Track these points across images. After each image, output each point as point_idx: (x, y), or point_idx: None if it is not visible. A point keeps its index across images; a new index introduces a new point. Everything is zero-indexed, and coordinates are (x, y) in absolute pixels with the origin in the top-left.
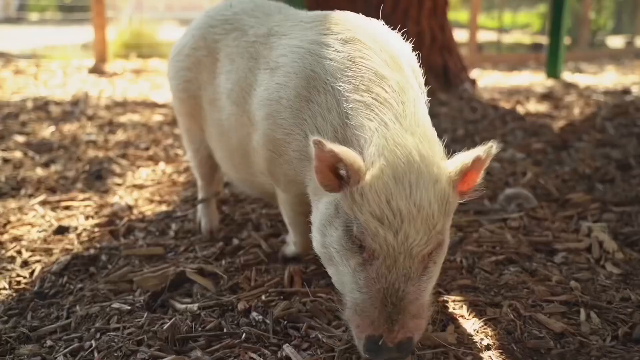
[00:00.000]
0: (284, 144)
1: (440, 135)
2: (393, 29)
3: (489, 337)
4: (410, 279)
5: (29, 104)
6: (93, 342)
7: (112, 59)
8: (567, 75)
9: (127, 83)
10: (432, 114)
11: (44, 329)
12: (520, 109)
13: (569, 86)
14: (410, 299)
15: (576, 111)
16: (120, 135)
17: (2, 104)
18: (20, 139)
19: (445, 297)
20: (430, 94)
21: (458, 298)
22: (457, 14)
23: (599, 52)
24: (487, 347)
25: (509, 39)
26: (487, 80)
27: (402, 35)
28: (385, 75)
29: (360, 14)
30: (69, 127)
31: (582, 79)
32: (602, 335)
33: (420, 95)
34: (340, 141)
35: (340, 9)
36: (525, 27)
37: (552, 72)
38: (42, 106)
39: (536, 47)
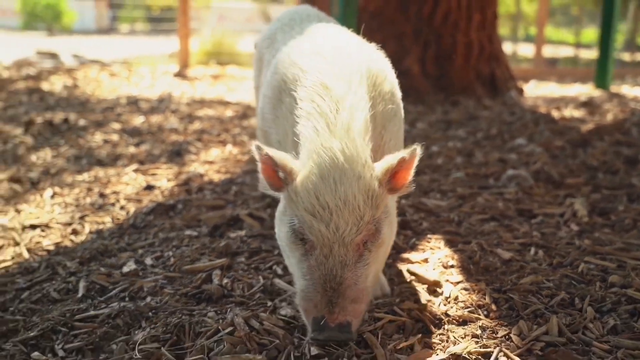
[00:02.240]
0: (268, 135)
1: (474, 134)
2: (442, 40)
3: (454, 259)
4: (347, 265)
5: (123, 101)
6: (170, 252)
7: (194, 66)
8: (624, 88)
9: (206, 86)
10: (473, 117)
11: (136, 244)
12: (555, 114)
13: (614, 96)
14: (348, 284)
15: (609, 117)
16: (197, 125)
17: (100, 100)
18: (116, 126)
19: (429, 236)
20: (476, 99)
21: (439, 237)
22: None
23: None
24: (451, 266)
25: (589, 54)
26: (541, 91)
27: (450, 44)
28: (330, 86)
29: (412, 26)
30: (155, 118)
31: (634, 92)
32: (539, 262)
33: (361, 104)
34: (290, 144)
35: (394, 22)
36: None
37: (601, 83)
38: (134, 102)
39: None
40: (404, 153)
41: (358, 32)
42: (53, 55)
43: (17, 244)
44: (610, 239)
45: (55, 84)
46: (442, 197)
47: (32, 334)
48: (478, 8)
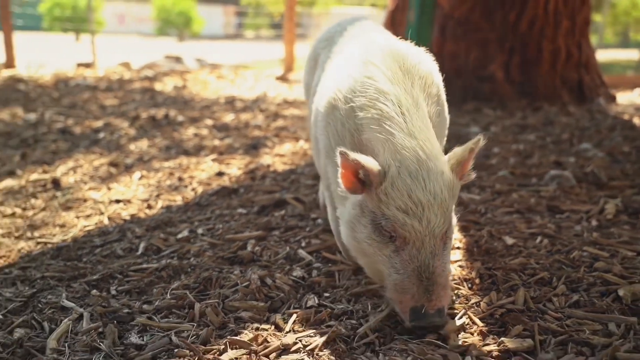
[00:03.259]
0: (317, 141)
1: (544, 138)
2: (528, 46)
3: (461, 242)
4: (436, 255)
5: (221, 100)
6: (220, 225)
7: (299, 70)
8: None
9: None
10: (550, 122)
11: (195, 218)
12: (638, 122)
13: None
14: (438, 272)
15: None
16: (279, 122)
17: (202, 99)
18: (209, 122)
19: None
20: (560, 105)
21: (457, 224)
22: None
23: None
24: (457, 247)
25: None
26: None
27: (536, 51)
28: (387, 91)
29: (497, 32)
30: (244, 116)
31: None
32: (539, 248)
33: (420, 104)
34: (355, 146)
35: (479, 29)
36: None
37: None
38: (230, 102)
39: None
40: (471, 144)
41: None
42: (178, 59)
43: (101, 213)
44: (620, 234)
45: (167, 85)
46: (479, 192)
47: (94, 277)
48: (567, 15)
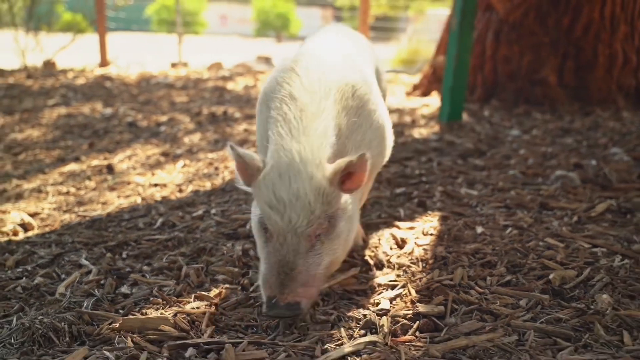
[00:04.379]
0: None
1: (581, 142)
2: (582, 51)
3: (435, 230)
4: (299, 253)
5: None
6: (233, 207)
7: None
8: None
9: None
10: (595, 126)
11: (214, 201)
12: None
13: None
14: (299, 270)
15: None
16: None
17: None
18: None
19: (434, 213)
20: (615, 110)
21: (440, 214)
22: None
23: None
24: (430, 234)
25: None
26: None
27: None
28: (296, 97)
29: (550, 37)
30: None
31: None
32: (504, 238)
33: (325, 114)
34: (264, 139)
35: (532, 33)
36: None
37: None
38: None
39: None
40: (352, 157)
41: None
42: (267, 60)
43: (139, 194)
44: (592, 229)
45: (239, 84)
46: (481, 189)
47: (112, 243)
48: (625, 20)
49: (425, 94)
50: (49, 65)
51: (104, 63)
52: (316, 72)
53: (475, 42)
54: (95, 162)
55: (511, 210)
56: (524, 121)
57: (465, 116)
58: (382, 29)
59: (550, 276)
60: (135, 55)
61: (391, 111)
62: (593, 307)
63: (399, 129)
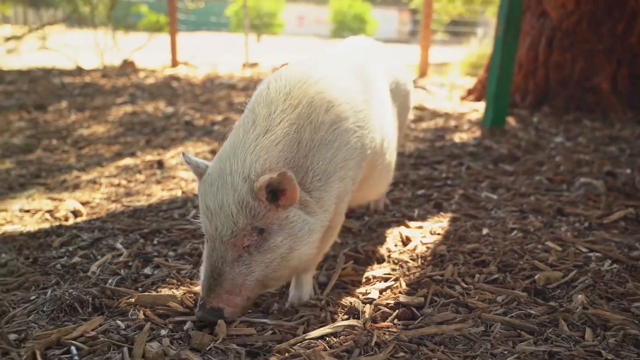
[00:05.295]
0: None
1: (623, 151)
2: (638, 58)
3: (442, 230)
4: (226, 261)
5: None
6: None
7: (432, 76)
8: None
9: (426, 94)
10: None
11: None
12: None
13: None
14: (225, 277)
15: None
16: None
17: None
18: None
19: (447, 214)
20: None
21: (452, 215)
22: None
23: None
24: (437, 233)
25: None
26: None
27: None
28: (255, 112)
29: (604, 44)
30: None
31: None
32: (505, 239)
33: (276, 129)
34: None
35: (586, 40)
36: None
37: None
38: None
39: None
40: (272, 174)
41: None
42: None
43: (180, 188)
44: (598, 234)
45: None
46: (502, 193)
47: (146, 231)
48: None
49: (479, 99)
50: (127, 64)
51: (174, 63)
52: (290, 82)
53: (528, 48)
54: (148, 158)
55: (524, 215)
56: (572, 128)
57: (512, 122)
58: (455, 32)
59: (536, 276)
60: (211, 56)
61: (438, 115)
62: (565, 306)
63: (440, 133)
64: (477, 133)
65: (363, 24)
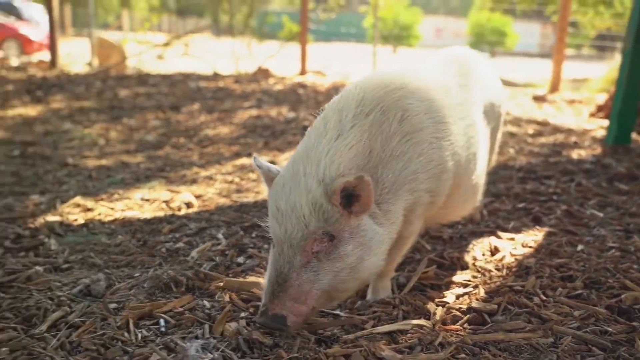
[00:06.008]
0: None
1: None
2: None
3: (535, 243)
4: (293, 266)
5: None
6: None
7: (564, 92)
8: None
9: (554, 109)
10: None
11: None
12: None
13: None
14: (291, 283)
15: None
16: None
17: None
18: None
19: (543, 228)
20: None
21: (549, 230)
22: None
23: None
24: (528, 246)
25: None
26: None
27: None
28: (327, 118)
29: None
30: None
31: None
32: (601, 257)
33: (348, 135)
34: None
35: None
36: None
37: None
38: None
39: None
40: (349, 177)
41: None
42: None
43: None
44: None
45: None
46: (610, 211)
47: (246, 224)
48: None
49: (609, 116)
50: (261, 71)
51: (303, 71)
52: (364, 89)
53: None
54: (264, 159)
55: (628, 235)
56: None
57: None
58: (602, 47)
59: (623, 295)
60: (344, 65)
61: (560, 131)
62: None
63: (557, 148)
64: (598, 150)
65: (502, 37)
